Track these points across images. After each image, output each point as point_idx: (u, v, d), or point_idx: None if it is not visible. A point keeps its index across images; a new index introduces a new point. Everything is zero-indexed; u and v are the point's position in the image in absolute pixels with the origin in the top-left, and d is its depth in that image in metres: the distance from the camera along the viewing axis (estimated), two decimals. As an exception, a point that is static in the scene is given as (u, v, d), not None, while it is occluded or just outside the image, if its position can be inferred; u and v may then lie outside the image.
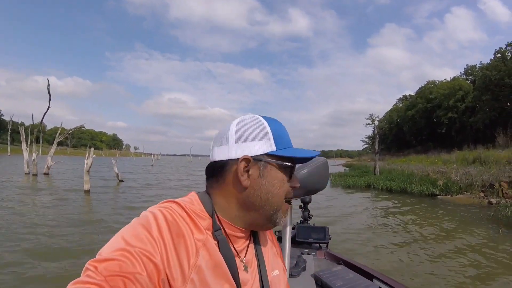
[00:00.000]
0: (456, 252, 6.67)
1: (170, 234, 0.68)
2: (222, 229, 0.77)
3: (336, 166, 58.82)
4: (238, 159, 0.77)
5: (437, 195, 15.32)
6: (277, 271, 0.92)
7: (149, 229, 0.66)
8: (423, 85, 58.45)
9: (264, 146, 0.78)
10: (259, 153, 0.78)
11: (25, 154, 24.23)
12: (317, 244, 2.67)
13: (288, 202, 1.18)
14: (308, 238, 2.64)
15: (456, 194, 14.84)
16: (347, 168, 44.90)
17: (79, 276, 0.59)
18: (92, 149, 16.32)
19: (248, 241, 0.86)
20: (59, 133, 26.21)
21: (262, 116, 0.84)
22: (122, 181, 20.11)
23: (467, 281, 5.20)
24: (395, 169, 25.58)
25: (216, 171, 0.81)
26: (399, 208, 12.59)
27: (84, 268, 0.60)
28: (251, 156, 0.77)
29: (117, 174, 20.21)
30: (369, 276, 2.02)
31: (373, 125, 30.64)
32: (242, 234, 0.82)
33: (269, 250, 0.94)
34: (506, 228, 8.38)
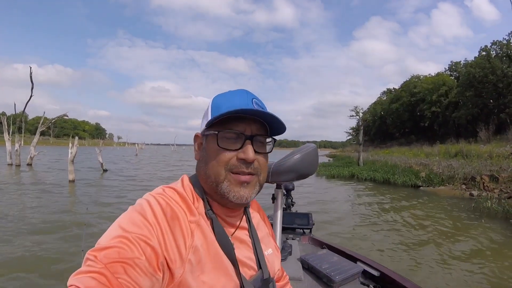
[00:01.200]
0: (438, 237, 6.95)
1: (165, 217, 0.71)
2: (211, 209, 0.80)
3: (320, 157, 58.50)
4: None
5: (420, 186, 15.55)
6: (270, 250, 0.95)
7: (144, 214, 0.69)
8: (408, 79, 59.14)
9: (205, 121, 0.81)
10: (202, 129, 0.83)
11: (8, 145, 23.48)
12: (301, 230, 2.74)
13: (279, 186, 1.36)
14: (292, 224, 2.73)
15: (438, 185, 15.06)
16: (331, 159, 45.01)
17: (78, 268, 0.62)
18: (76, 138, 16.10)
19: (240, 221, 0.88)
20: (42, 123, 25.41)
21: (223, 93, 0.86)
22: (106, 170, 19.96)
23: (443, 259, 5.46)
24: (379, 160, 26.10)
25: None
26: (382, 197, 12.82)
27: (84, 259, 0.62)
28: (200, 133, 0.85)
29: (102, 163, 19.97)
30: (353, 258, 2.12)
31: (357, 117, 30.96)
32: (231, 213, 0.84)
33: (262, 229, 0.98)
34: (487, 219, 8.62)
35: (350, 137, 70.64)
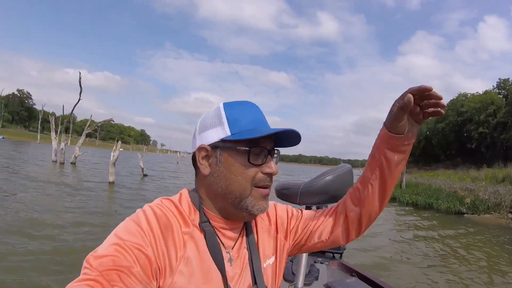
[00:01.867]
0: (480, 273, 6.40)
1: (159, 226, 0.71)
2: (209, 222, 0.79)
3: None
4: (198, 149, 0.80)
5: (464, 213, 14.82)
6: (272, 259, 0.91)
7: (139, 223, 0.70)
8: (455, 97, 56.62)
9: (218, 132, 0.78)
10: (214, 141, 0.78)
11: (54, 143, 25.03)
12: (331, 254, 2.63)
13: (308, 208, 1.19)
14: None
15: (483, 213, 14.36)
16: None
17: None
18: (119, 142, 16.70)
19: (239, 233, 0.85)
20: (88, 125, 26.97)
21: (229, 102, 0.82)
22: (146, 175, 20.42)
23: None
24: (422, 183, 24.72)
25: (193, 164, 0.83)
26: (423, 224, 12.22)
27: (82, 267, 0.62)
28: (208, 145, 0.78)
29: (142, 168, 20.52)
30: None
31: None
32: (231, 226, 0.83)
33: (265, 235, 0.92)
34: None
35: (394, 157, 68.75)
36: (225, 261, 0.78)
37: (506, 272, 6.67)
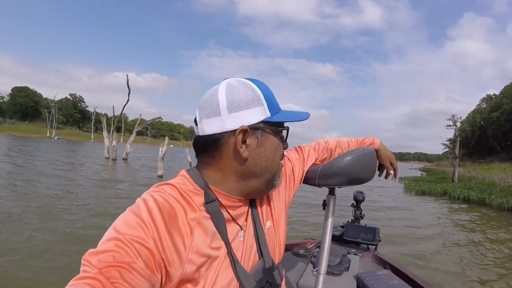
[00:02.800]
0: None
1: (162, 216, 0.66)
2: (218, 201, 0.76)
3: (412, 170, 55.87)
4: (234, 131, 0.74)
5: (519, 209, 13.83)
6: (269, 222, 0.91)
7: (139, 214, 0.66)
8: (509, 84, 53.10)
9: (259, 113, 0.76)
10: (255, 122, 0.75)
11: (106, 141, 26.54)
12: (365, 245, 2.56)
13: (331, 192, 1.26)
14: (356, 237, 2.54)
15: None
16: (424, 173, 42.35)
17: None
18: (167, 138, 17.40)
19: (247, 207, 0.84)
20: (138, 123, 28.34)
21: (250, 79, 0.80)
22: (194, 168, 20.87)
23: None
24: (475, 177, 23.66)
25: (210, 146, 0.76)
26: (472, 219, 11.59)
27: (81, 264, 0.60)
28: (248, 126, 0.74)
29: (190, 162, 21.04)
30: (416, 285, 1.88)
31: (455, 127, 28.22)
32: (240, 203, 0.81)
33: (264, 201, 0.92)
34: None
35: (447, 149, 65.61)
36: (237, 236, 0.78)
37: None
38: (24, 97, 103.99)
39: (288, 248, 2.27)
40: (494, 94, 60.66)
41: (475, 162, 47.00)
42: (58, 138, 71.80)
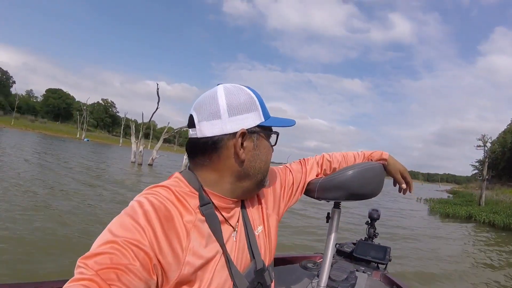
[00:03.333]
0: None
1: (158, 219, 0.67)
2: (212, 203, 0.78)
3: (439, 192, 54.80)
4: (233, 133, 0.77)
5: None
6: (260, 228, 0.93)
7: (135, 217, 0.66)
8: None
9: (255, 118, 0.81)
10: (252, 125, 0.80)
11: (133, 146, 27.32)
12: (375, 264, 2.50)
13: (337, 206, 1.26)
14: (366, 255, 2.48)
15: None
16: (451, 195, 41.44)
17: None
18: None
19: (238, 209, 0.87)
20: (166, 131, 28.99)
21: (245, 85, 0.85)
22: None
23: None
24: (503, 201, 22.95)
25: (209, 147, 0.78)
26: (495, 244, 11.26)
27: (76, 266, 0.60)
28: (247, 129, 0.78)
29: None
30: None
31: (485, 147, 27.23)
32: (233, 205, 0.84)
33: (255, 207, 0.95)
34: None
35: (476, 171, 63.46)
36: (230, 238, 0.81)
37: None
38: (57, 99, 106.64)
39: (296, 260, 2.27)
40: (527, 114, 58.12)
41: (504, 185, 45.28)
42: (88, 140, 73.43)
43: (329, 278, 1.85)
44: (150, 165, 25.89)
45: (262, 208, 0.97)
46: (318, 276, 1.92)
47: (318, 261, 2.33)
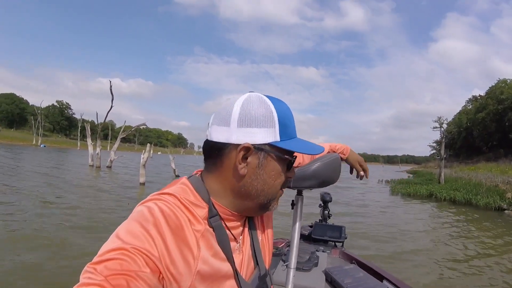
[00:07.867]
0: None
1: (169, 228, 0.64)
2: (218, 215, 0.74)
3: (400, 173, 56.53)
4: (238, 144, 0.72)
5: (505, 209, 13.85)
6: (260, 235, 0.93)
7: (145, 225, 0.63)
8: (494, 84, 53.25)
9: (268, 135, 0.73)
10: (262, 142, 0.73)
11: (90, 149, 26.43)
12: (333, 243, 2.74)
13: (299, 193, 1.35)
14: (323, 235, 2.72)
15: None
16: (411, 175, 42.71)
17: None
18: (149, 145, 17.52)
19: (244, 224, 0.84)
20: (122, 130, 28.11)
21: (268, 97, 0.77)
22: (178, 176, 20.66)
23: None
24: (462, 178, 23.68)
25: (214, 153, 0.75)
26: (457, 220, 11.64)
27: (83, 271, 0.57)
28: (253, 145, 0.72)
29: (174, 169, 21.12)
30: (380, 276, 2.04)
31: (441, 128, 28.27)
32: (239, 217, 0.80)
33: (259, 228, 0.91)
34: None
35: (434, 151, 66.36)
36: (235, 252, 0.77)
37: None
38: (10, 104, 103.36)
39: None
40: (479, 95, 61.15)
41: (461, 163, 47.08)
42: (44, 146, 71.15)
43: (284, 254, 2.10)
44: (109, 167, 24.73)
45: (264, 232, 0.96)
46: (282, 259, 2.16)
47: (280, 246, 2.51)
